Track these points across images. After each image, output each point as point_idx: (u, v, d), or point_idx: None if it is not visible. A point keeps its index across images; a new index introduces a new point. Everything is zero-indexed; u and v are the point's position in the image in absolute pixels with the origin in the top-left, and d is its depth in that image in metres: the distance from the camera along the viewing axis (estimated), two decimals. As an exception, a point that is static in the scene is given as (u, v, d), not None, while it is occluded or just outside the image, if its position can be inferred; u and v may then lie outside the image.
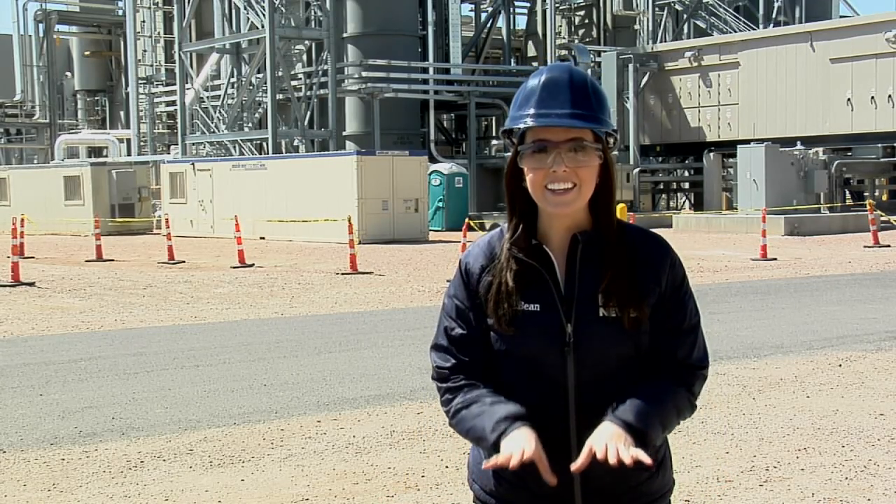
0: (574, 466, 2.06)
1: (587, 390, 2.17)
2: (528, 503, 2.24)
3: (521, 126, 2.16)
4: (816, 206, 29.37)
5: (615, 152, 2.20)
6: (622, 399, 2.14)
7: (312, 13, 37.97)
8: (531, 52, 46.00)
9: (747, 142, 30.61)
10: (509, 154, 2.24)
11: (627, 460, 2.00)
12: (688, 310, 2.23)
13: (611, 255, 2.18)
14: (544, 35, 42.87)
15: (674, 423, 2.20)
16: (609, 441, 2.04)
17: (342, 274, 17.74)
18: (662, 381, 2.19)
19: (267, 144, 35.75)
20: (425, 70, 38.65)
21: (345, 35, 38.46)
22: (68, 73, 62.44)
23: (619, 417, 2.09)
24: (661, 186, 41.12)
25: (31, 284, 16.35)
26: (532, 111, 2.14)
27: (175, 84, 40.94)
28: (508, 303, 2.19)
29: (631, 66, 36.42)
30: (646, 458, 2.01)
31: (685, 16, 44.19)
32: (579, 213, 2.19)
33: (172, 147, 43.71)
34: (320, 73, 37.26)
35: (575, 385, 2.17)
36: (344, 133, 37.98)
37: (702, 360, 2.25)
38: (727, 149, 33.89)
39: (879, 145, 31.64)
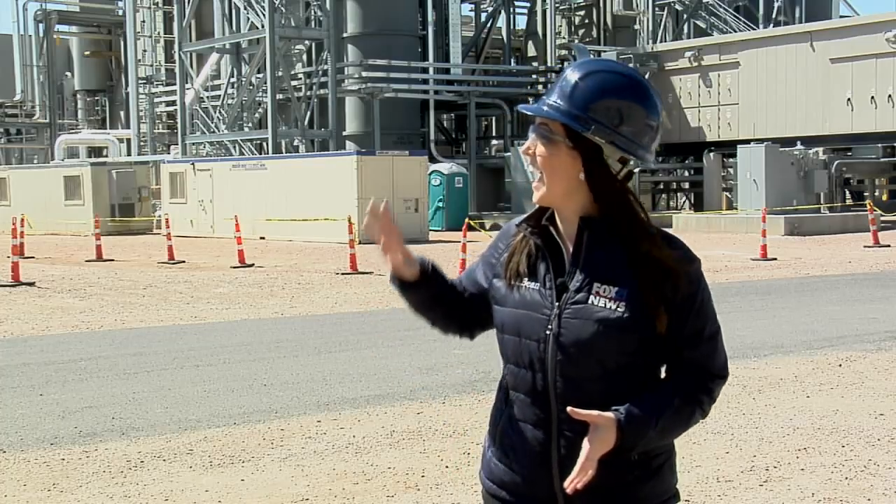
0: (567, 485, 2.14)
1: (567, 376, 2.19)
2: (521, 492, 2.28)
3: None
4: (816, 206, 29.37)
5: (622, 166, 2.18)
6: (625, 395, 2.17)
7: (312, 13, 37.95)
8: (531, 52, 45.98)
9: (747, 142, 30.60)
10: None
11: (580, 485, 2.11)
12: (707, 317, 2.24)
13: (623, 242, 2.21)
14: (544, 35, 42.86)
15: (679, 430, 2.22)
16: (588, 454, 2.11)
17: (342, 274, 17.74)
18: (678, 386, 2.22)
19: (267, 144, 35.74)
20: (425, 70, 38.64)
21: (345, 35, 38.45)
22: (68, 73, 62.41)
23: (618, 413, 2.13)
24: (661, 186, 41.13)
25: (31, 284, 16.35)
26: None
27: (175, 84, 40.92)
28: (518, 271, 2.29)
29: (631, 66, 36.41)
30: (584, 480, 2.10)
31: (685, 16, 44.19)
32: (584, 198, 2.23)
33: (172, 147, 43.68)
34: (320, 73, 37.24)
35: (554, 368, 2.20)
36: (344, 133, 37.96)
37: (723, 368, 2.27)
38: (727, 149, 33.88)
39: (879, 145, 31.64)
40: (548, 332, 2.20)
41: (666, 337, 2.19)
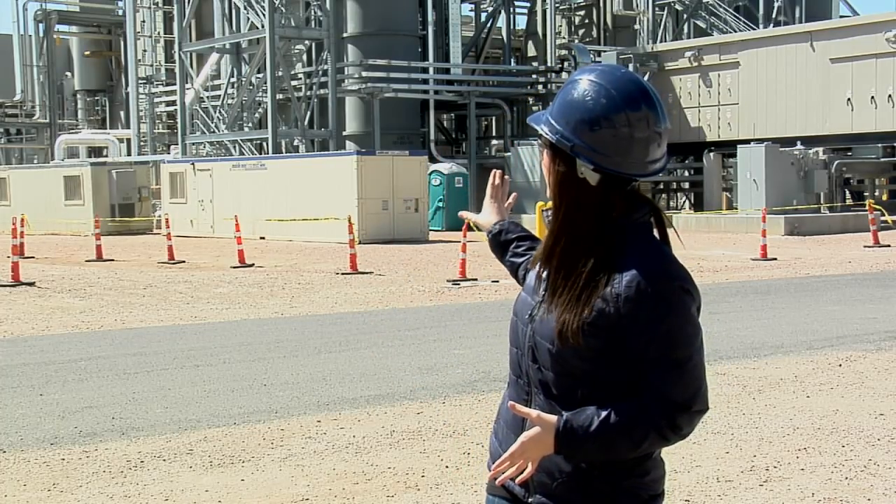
0: (492, 474, 2.23)
1: (536, 364, 2.23)
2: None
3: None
4: (816, 206, 29.37)
5: (588, 175, 2.17)
6: (583, 401, 2.15)
7: (312, 13, 37.96)
8: (531, 52, 45.99)
9: (747, 142, 30.60)
10: None
11: (518, 480, 2.16)
12: (675, 342, 2.11)
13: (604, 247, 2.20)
14: (544, 35, 42.87)
15: (627, 450, 2.13)
16: (520, 451, 2.13)
17: (342, 274, 17.74)
18: (636, 407, 2.12)
19: (267, 144, 35.75)
20: (425, 70, 38.64)
21: (345, 35, 38.45)
22: (68, 73, 62.41)
23: (560, 420, 2.11)
24: (661, 186, 41.10)
25: (31, 284, 16.35)
26: None
27: (175, 84, 40.94)
28: (535, 257, 2.37)
29: (631, 66, 36.35)
30: (522, 478, 2.15)
31: (685, 16, 44.17)
32: None
33: (172, 147, 43.69)
34: (320, 73, 37.25)
35: (528, 352, 2.25)
36: (344, 133, 37.97)
37: (691, 399, 2.12)
38: (727, 149, 33.87)
39: (879, 145, 31.62)
40: (526, 317, 2.27)
41: (630, 356, 2.13)
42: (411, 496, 5.29)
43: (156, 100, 45.82)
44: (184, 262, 20.82)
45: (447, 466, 5.79)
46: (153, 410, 7.31)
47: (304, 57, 39.71)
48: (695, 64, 35.56)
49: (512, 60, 44.81)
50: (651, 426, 2.11)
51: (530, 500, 2.25)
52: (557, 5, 44.06)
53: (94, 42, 60.92)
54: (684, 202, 42.05)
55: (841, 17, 42.59)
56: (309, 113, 38.23)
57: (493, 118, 45.37)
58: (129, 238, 29.80)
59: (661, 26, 44.99)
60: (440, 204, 32.07)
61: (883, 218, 24.57)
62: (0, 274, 17.38)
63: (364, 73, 36.69)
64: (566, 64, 40.37)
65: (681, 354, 2.11)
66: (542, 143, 2.26)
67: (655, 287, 2.11)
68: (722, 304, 12.76)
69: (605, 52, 39.57)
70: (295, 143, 37.96)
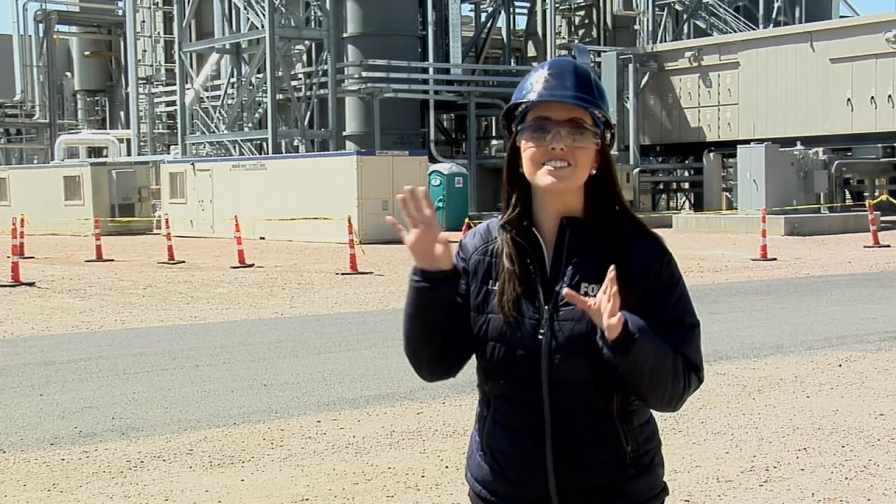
0: (565, 290, 2.10)
1: (560, 378, 2.16)
2: (510, 495, 2.26)
3: (525, 101, 2.21)
4: (816, 206, 29.36)
5: (614, 151, 2.25)
6: (614, 397, 2.20)
7: (312, 13, 37.97)
8: (531, 52, 46.00)
9: (747, 142, 30.60)
10: (510, 140, 2.30)
11: (604, 323, 2.03)
12: (688, 307, 2.24)
13: (606, 239, 2.22)
14: (544, 35, 42.87)
15: (664, 370, 2.12)
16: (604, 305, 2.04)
17: (342, 274, 17.74)
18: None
19: (267, 144, 35.75)
20: (425, 70, 38.65)
21: (345, 35, 38.46)
22: (68, 73, 62.41)
23: (624, 314, 2.07)
24: (661, 186, 41.11)
25: (31, 284, 16.35)
26: (537, 90, 2.21)
27: (175, 84, 40.93)
28: (514, 285, 2.21)
29: (631, 66, 36.42)
30: (612, 330, 2.03)
31: (685, 16, 44.17)
32: (572, 198, 2.22)
33: (172, 147, 43.68)
34: (320, 73, 37.26)
35: (548, 372, 2.16)
36: (344, 133, 37.97)
37: (700, 365, 2.24)
38: (727, 149, 33.88)
39: (879, 145, 31.63)
40: (540, 337, 2.17)
41: (654, 325, 2.15)
42: (411, 496, 5.29)
43: (156, 100, 45.81)
44: (184, 262, 20.82)
45: (447, 466, 5.79)
46: (153, 410, 7.31)
47: (304, 57, 39.71)
48: (695, 64, 35.56)
49: (512, 60, 44.82)
50: (682, 366, 2.18)
51: None
52: (557, 5, 44.07)
53: (94, 42, 60.92)
54: (684, 202, 42.06)
55: (841, 17, 42.59)
56: (309, 113, 38.23)
57: (493, 118, 45.36)
58: (129, 238, 29.80)
59: (661, 26, 44.98)
60: (440, 204, 32.03)
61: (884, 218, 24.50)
62: (0, 274, 17.38)
63: (364, 74, 36.69)
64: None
65: (692, 319, 2.24)
66: (587, 131, 2.19)
67: (665, 258, 2.23)
68: (722, 304, 12.76)
69: (605, 52, 39.58)
70: (295, 143, 37.96)
